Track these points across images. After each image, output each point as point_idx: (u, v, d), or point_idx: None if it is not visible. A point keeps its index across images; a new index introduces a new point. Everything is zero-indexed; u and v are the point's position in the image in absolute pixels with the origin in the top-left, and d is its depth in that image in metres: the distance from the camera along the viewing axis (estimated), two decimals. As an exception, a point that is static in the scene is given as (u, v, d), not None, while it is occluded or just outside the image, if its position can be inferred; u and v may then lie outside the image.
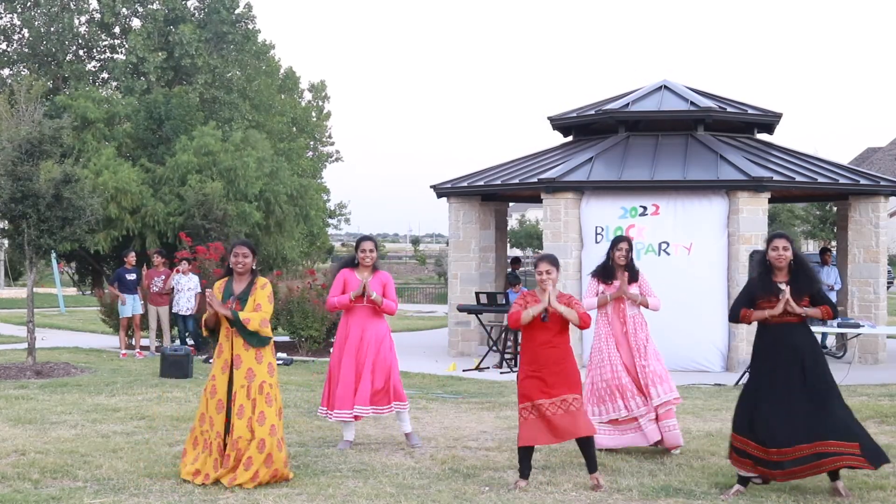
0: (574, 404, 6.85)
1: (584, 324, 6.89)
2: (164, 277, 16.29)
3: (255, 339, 6.97)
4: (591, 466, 6.96)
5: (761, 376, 6.79)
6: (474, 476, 7.24)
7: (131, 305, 16.18)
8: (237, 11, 33.77)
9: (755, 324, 6.98)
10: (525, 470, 6.98)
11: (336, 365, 8.27)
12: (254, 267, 7.14)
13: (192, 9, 33.76)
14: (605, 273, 8.38)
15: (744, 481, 6.82)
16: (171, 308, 16.29)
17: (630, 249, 8.40)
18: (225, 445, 6.92)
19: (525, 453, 6.97)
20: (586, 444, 6.92)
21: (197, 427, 7.06)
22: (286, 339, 17.29)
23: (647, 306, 8.33)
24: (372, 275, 8.35)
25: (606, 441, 8.02)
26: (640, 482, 7.07)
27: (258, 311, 6.96)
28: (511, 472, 7.41)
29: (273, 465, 6.88)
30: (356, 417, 8.18)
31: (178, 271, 16.25)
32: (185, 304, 16.20)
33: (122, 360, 15.48)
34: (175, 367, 13.01)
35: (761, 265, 6.97)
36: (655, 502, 6.59)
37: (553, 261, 7.07)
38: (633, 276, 8.38)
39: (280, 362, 14.97)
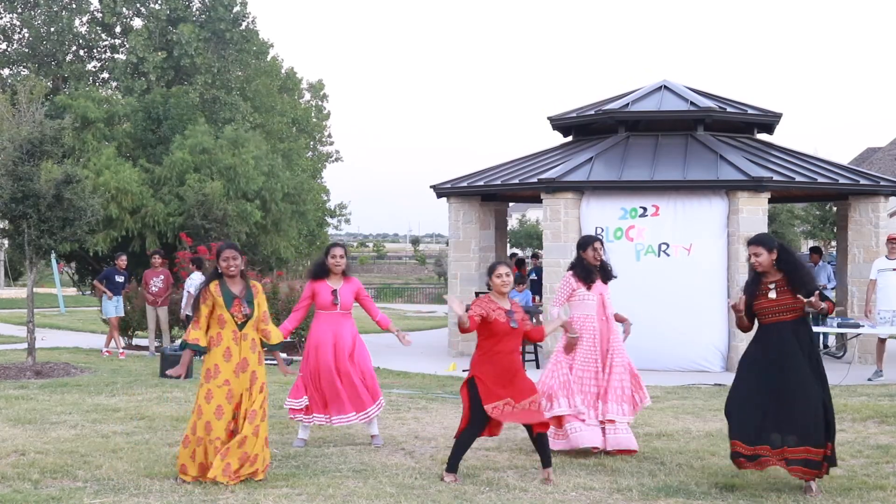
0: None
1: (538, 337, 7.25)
2: (162, 278, 16.27)
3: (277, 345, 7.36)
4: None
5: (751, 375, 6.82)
6: (474, 476, 7.24)
7: (115, 306, 16.19)
8: (235, 10, 33.73)
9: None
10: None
11: (313, 370, 8.36)
12: (242, 268, 7.20)
13: (193, 9, 33.75)
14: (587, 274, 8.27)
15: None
16: (169, 308, 16.30)
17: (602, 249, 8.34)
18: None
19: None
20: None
21: (207, 435, 6.97)
22: (286, 339, 17.26)
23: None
24: (343, 281, 8.40)
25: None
26: (640, 482, 7.07)
27: (271, 325, 7.35)
28: (511, 472, 7.42)
29: (257, 462, 6.98)
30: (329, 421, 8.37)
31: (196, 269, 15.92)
32: None
33: (121, 359, 15.49)
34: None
35: (749, 269, 6.99)
36: (655, 502, 6.59)
37: (508, 264, 7.31)
38: (607, 276, 8.36)
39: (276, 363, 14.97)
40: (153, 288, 16.20)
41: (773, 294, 6.82)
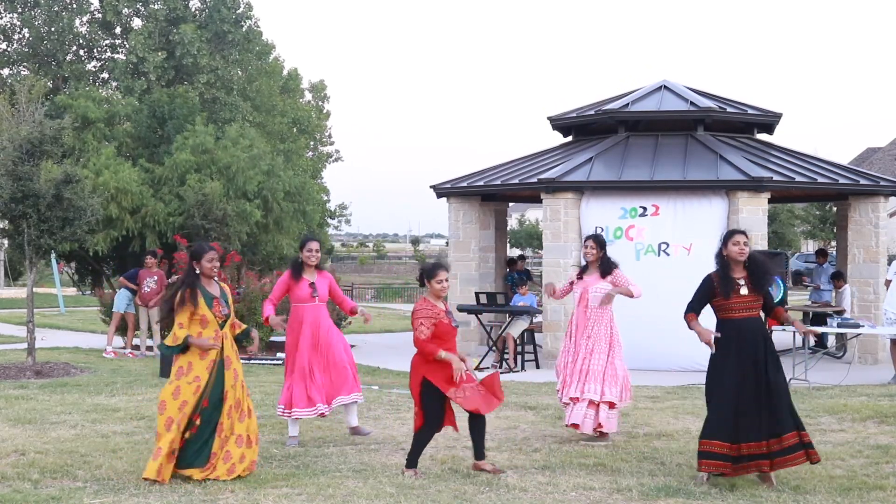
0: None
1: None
2: (156, 279, 16.23)
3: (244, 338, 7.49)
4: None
5: (725, 373, 7.07)
6: (474, 476, 7.24)
7: (127, 303, 16.17)
8: (238, 11, 33.73)
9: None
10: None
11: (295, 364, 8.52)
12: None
13: (193, 9, 33.75)
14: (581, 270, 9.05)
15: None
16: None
17: (599, 246, 8.95)
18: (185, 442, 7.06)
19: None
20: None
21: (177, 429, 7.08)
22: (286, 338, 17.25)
23: (630, 296, 8.83)
24: (317, 275, 8.62)
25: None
26: (640, 482, 7.07)
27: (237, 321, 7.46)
28: (511, 472, 7.41)
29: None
30: (321, 415, 8.47)
31: None
32: None
33: (116, 359, 15.45)
34: (175, 368, 13.00)
35: (719, 261, 7.20)
36: (655, 502, 6.59)
37: (448, 269, 7.43)
38: (606, 270, 8.86)
39: (280, 362, 14.97)
40: (145, 288, 16.15)
41: (744, 290, 7.07)
